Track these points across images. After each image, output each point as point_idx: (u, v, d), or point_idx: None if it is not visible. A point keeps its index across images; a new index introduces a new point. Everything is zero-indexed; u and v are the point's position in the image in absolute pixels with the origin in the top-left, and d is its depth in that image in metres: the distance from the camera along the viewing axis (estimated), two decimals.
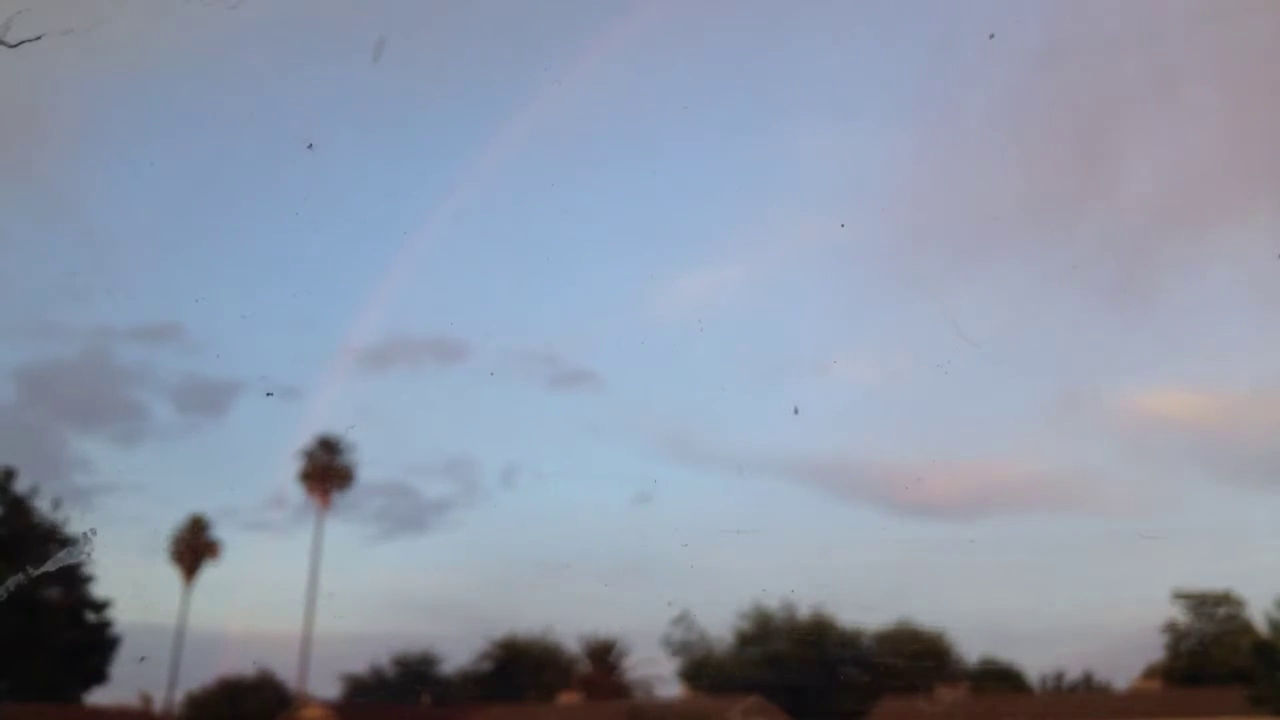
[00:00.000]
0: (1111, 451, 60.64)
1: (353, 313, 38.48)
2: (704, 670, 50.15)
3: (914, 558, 47.04)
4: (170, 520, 53.25)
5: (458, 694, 51.23)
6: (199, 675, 48.96)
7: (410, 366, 56.10)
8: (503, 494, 58.17)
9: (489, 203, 34.54)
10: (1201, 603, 47.81)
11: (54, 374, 54.19)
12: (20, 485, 44.77)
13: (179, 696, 48.93)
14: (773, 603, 50.02)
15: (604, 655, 53.40)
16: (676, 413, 54.39)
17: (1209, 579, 46.84)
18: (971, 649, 49.42)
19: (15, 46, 6.64)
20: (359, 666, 52.55)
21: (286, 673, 50.24)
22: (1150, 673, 47.32)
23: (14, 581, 7.89)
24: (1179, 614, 48.19)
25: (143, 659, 56.22)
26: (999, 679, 48.86)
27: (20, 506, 44.56)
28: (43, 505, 44.80)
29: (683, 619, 50.75)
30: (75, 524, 45.58)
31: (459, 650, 59.49)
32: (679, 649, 51.72)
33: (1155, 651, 48.03)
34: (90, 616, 47.12)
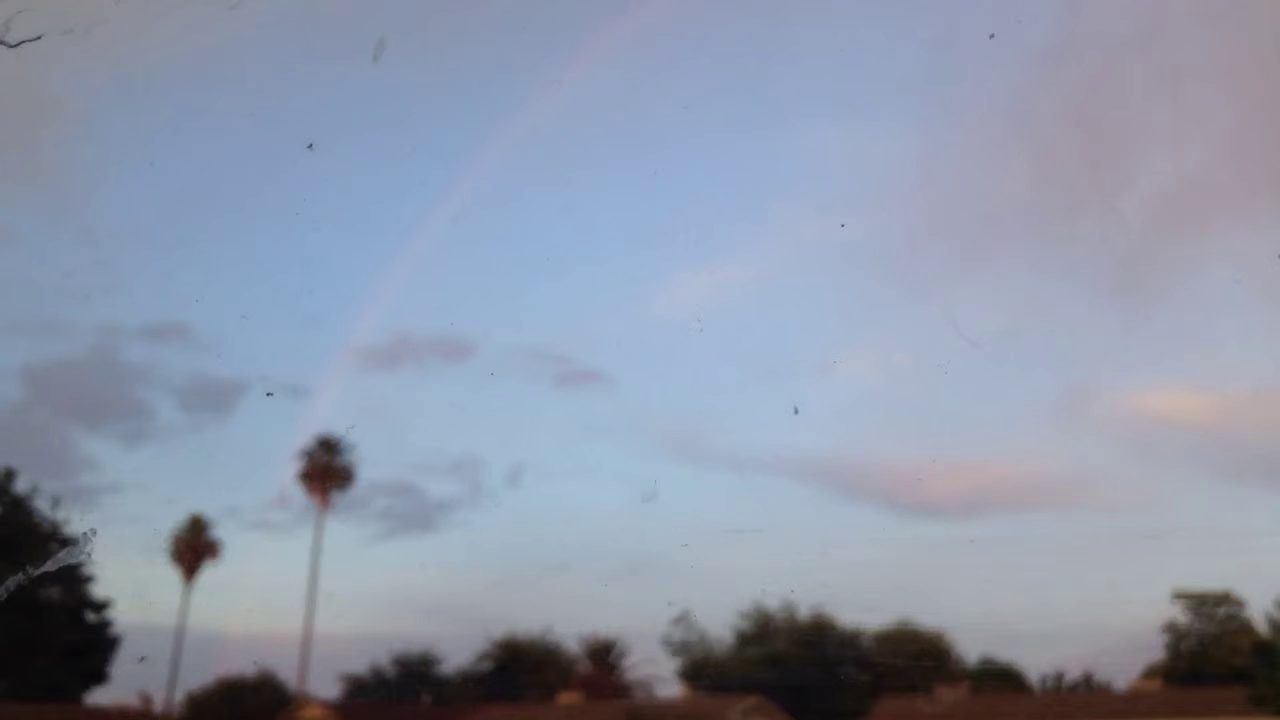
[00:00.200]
0: (1112, 451, 60.65)
1: (359, 312, 38.54)
2: (704, 670, 50.14)
3: (914, 557, 47.07)
4: (175, 520, 53.39)
5: (458, 694, 51.20)
6: (199, 675, 48.95)
7: (416, 366, 56.15)
8: (504, 494, 58.18)
9: (492, 202, 34.58)
10: (1201, 603, 47.84)
11: (61, 373, 54.27)
12: (25, 485, 44.84)
13: (179, 696, 48.96)
14: (773, 603, 50.05)
15: (604, 655, 53.39)
16: (679, 412, 54.46)
17: (1209, 579, 46.88)
18: (971, 649, 49.43)
19: (15, 46, 6.64)
20: (359, 666, 52.58)
21: (286, 673, 50.26)
22: (1150, 673, 47.32)
23: (14, 581, 7.88)
24: (1179, 614, 48.25)
25: (143, 659, 56.28)
26: (999, 679, 48.86)
27: (20, 506, 44.56)
28: (43, 505, 44.84)
29: (683, 619, 50.80)
30: (77, 524, 45.62)
31: (459, 650, 59.47)
32: (679, 649, 51.76)
33: (1155, 651, 48.09)
34: (90, 616, 47.13)
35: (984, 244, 53.69)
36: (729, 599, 48.15)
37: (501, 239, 41.27)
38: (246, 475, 55.84)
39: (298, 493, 54.73)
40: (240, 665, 49.08)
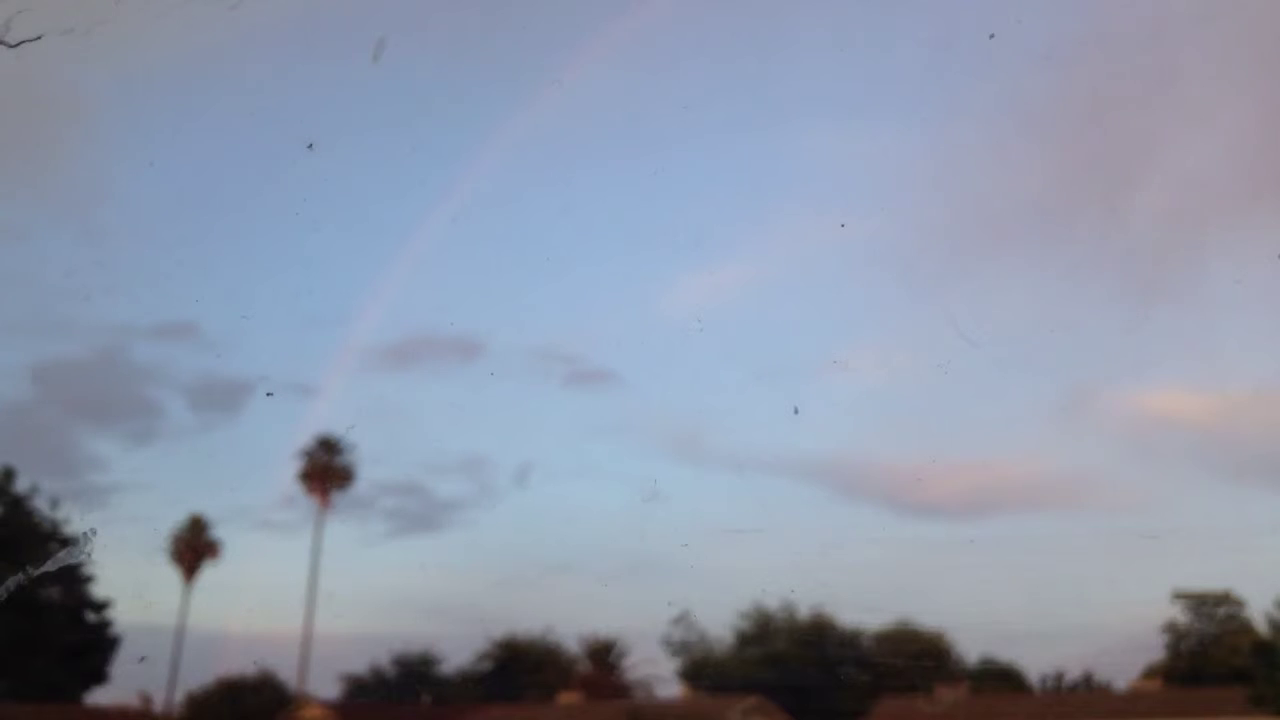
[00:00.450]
0: (1112, 451, 60.65)
1: (366, 312, 38.54)
2: (704, 670, 50.14)
3: (914, 557, 47.04)
4: (182, 520, 53.51)
5: (458, 694, 51.20)
6: (199, 675, 48.95)
7: (423, 365, 56.23)
8: (508, 494, 58.22)
9: (494, 201, 34.57)
10: (1201, 603, 47.85)
11: (68, 372, 54.27)
12: (33, 484, 44.83)
13: (179, 696, 48.97)
14: (773, 603, 50.06)
15: (604, 655, 53.40)
16: (681, 412, 54.46)
17: (1209, 579, 46.88)
18: (971, 649, 49.43)
19: (15, 46, 6.64)
20: (359, 666, 52.59)
21: (286, 673, 50.27)
22: (1150, 673, 47.33)
23: (14, 581, 7.89)
24: (1179, 614, 48.26)
25: (143, 659, 56.30)
26: (999, 679, 48.86)
27: (20, 506, 44.57)
28: (42, 505, 44.84)
29: (683, 619, 50.81)
30: (78, 524, 45.58)
31: (459, 650, 59.47)
32: (679, 649, 51.77)
33: (1155, 651, 48.09)
34: (90, 616, 47.14)
35: (985, 244, 53.71)
36: (729, 599, 48.18)
37: (504, 239, 41.24)
38: (253, 475, 55.79)
39: (302, 492, 54.84)
40: (240, 665, 49.11)
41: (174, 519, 53.05)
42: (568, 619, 54.90)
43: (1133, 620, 48.58)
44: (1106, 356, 45.65)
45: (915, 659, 45.06)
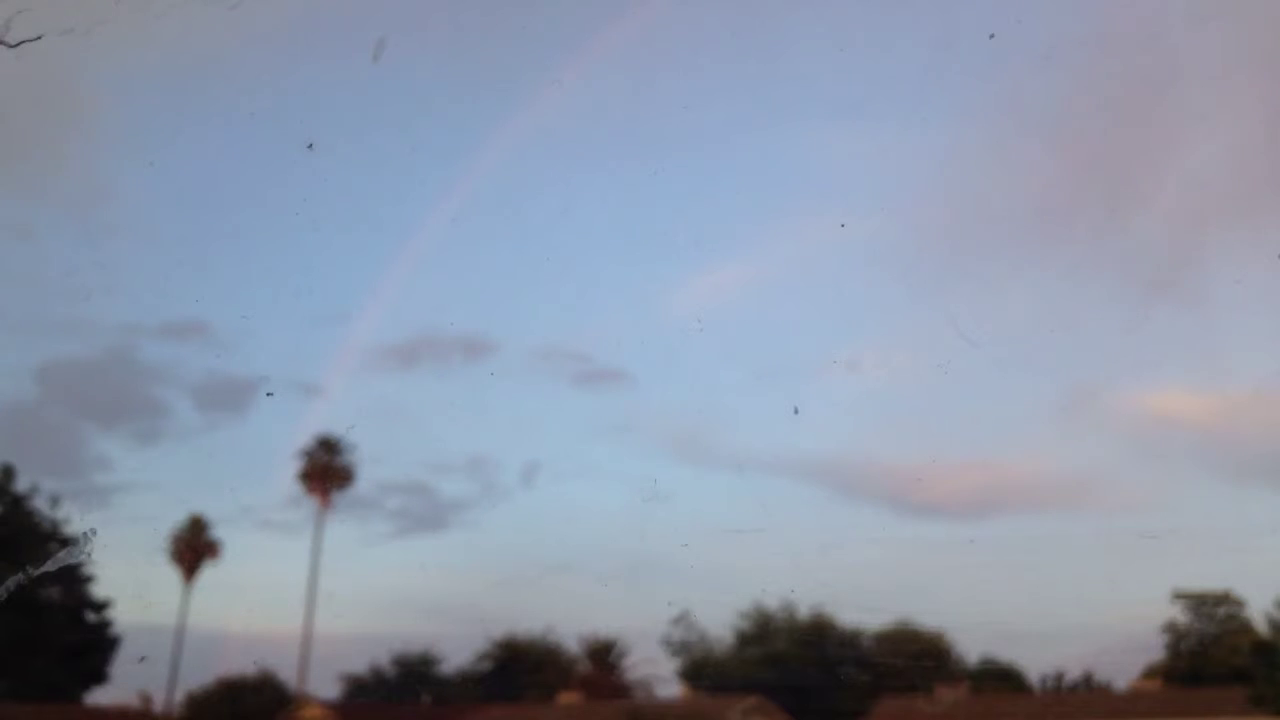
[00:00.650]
0: (1112, 451, 60.65)
1: (371, 311, 38.53)
2: (704, 670, 50.14)
3: (915, 557, 47.05)
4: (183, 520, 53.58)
5: (458, 694, 51.21)
6: (199, 675, 48.98)
7: (430, 365, 56.24)
8: (506, 494, 58.27)
9: (494, 202, 34.57)
10: (1201, 603, 47.85)
11: (74, 371, 54.28)
12: (33, 484, 44.81)
13: (179, 696, 48.98)
14: (773, 603, 50.05)
15: (604, 655, 53.40)
16: (682, 412, 54.46)
17: (1209, 579, 46.87)
18: (971, 649, 49.43)
19: (15, 46, 6.64)
20: (359, 666, 52.61)
21: (286, 673, 50.28)
22: (1150, 673, 47.34)
23: (14, 581, 7.89)
24: (1179, 614, 48.25)
25: (143, 659, 56.30)
26: (999, 679, 48.86)
27: (20, 506, 44.56)
28: (42, 504, 44.83)
29: (683, 619, 50.80)
30: (79, 523, 45.58)
31: (459, 650, 59.49)
32: (679, 649, 51.76)
33: (1155, 651, 48.09)
34: (90, 616, 47.13)
35: (985, 244, 53.70)
36: (729, 599, 48.16)
37: (504, 239, 41.29)
38: (258, 474, 55.83)
39: (302, 492, 54.89)
40: (240, 665, 49.14)
41: (177, 519, 53.21)
42: (568, 619, 54.90)
43: (1133, 620, 48.60)
44: (1107, 356, 45.68)
45: (915, 659, 45.05)
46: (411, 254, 35.31)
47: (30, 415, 52.06)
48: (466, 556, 61.98)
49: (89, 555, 7.71)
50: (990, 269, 47.23)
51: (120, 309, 52.95)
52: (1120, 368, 48.01)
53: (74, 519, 44.26)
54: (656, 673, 52.33)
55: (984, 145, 46.79)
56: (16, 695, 43.37)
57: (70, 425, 58.48)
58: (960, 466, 48.23)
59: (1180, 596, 47.78)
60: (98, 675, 47.12)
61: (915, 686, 43.77)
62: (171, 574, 53.36)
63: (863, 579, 45.58)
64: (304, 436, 53.64)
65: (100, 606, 47.32)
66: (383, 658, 52.81)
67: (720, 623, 51.17)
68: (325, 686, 56.57)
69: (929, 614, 46.71)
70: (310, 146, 13.38)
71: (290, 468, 53.22)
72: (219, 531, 54.08)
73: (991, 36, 18.31)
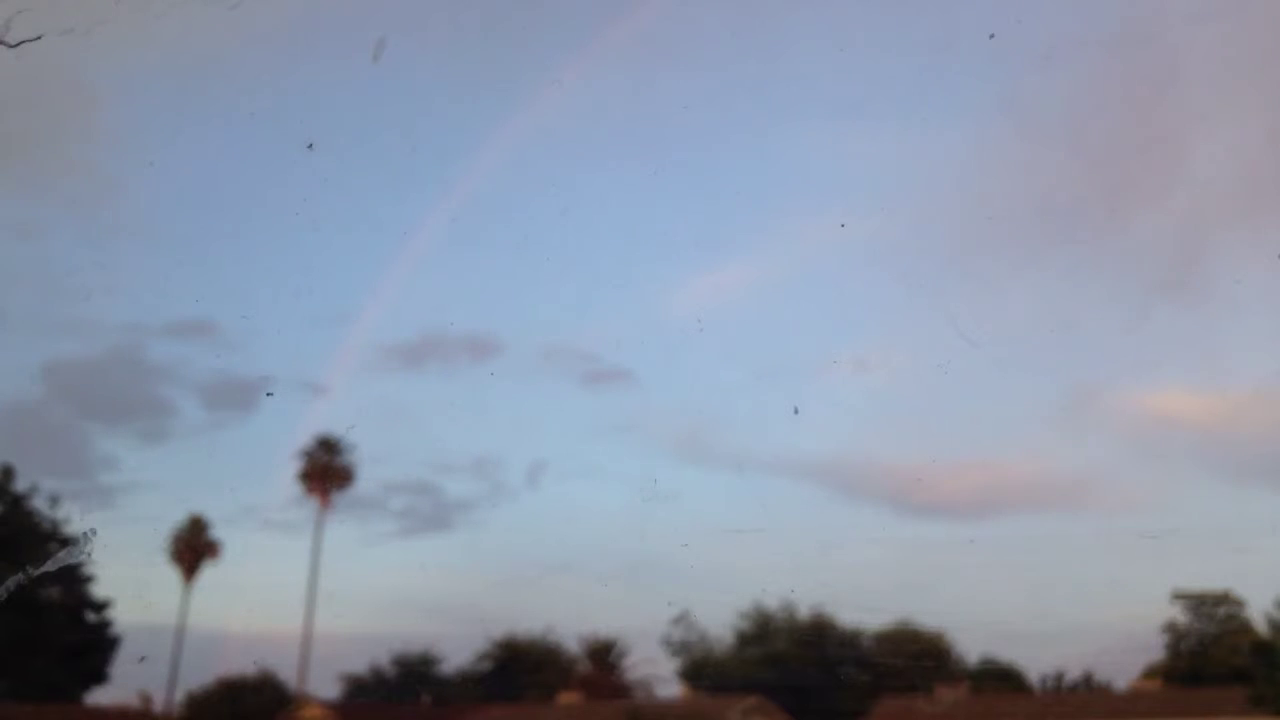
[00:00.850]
0: (1112, 452, 60.66)
1: (377, 311, 38.52)
2: (704, 670, 50.14)
3: (915, 557, 47.06)
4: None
5: (458, 694, 51.22)
6: (199, 675, 48.99)
7: (431, 364, 56.25)
8: (508, 495, 58.23)
9: (495, 202, 34.57)
10: (1201, 603, 47.85)
11: (79, 371, 54.28)
12: (33, 484, 44.80)
13: (179, 696, 48.99)
14: (773, 603, 50.07)
15: (604, 655, 53.41)
16: (684, 413, 54.38)
17: (1209, 579, 46.87)
18: (971, 649, 49.44)
19: (15, 46, 6.64)
20: (359, 666, 52.61)
21: (286, 673, 50.29)
22: (1150, 673, 47.34)
23: (14, 581, 7.88)
24: (1179, 614, 48.25)
25: (143, 659, 56.32)
26: (999, 679, 48.86)
27: (20, 506, 44.56)
28: (42, 504, 44.83)
29: (683, 619, 50.81)
30: (80, 523, 45.58)
31: (459, 650, 59.51)
32: (679, 649, 51.77)
33: (1155, 651, 48.09)
34: (90, 616, 47.14)
35: (986, 244, 53.72)
36: (729, 599, 48.17)
37: (506, 239, 41.25)
38: (262, 474, 55.84)
39: (305, 492, 54.92)
40: (240, 665, 49.14)
41: (181, 519, 53.30)
42: (568, 619, 54.93)
43: (1133, 620, 48.61)
44: (1107, 357, 45.68)
45: (915, 659, 45.06)
46: (415, 254, 35.29)
47: (35, 415, 52.09)
48: (467, 556, 62.03)
49: (89, 555, 7.71)
50: (991, 269, 47.20)
51: (124, 309, 52.89)
52: (1120, 368, 48.04)
53: (74, 519, 44.30)
54: (656, 673, 52.40)
55: (984, 145, 46.79)
56: (16, 695, 43.37)
57: (75, 425, 58.51)
58: (961, 466, 48.25)
59: (1180, 596, 47.82)
60: (98, 675, 47.12)
61: (915, 686, 43.78)
62: (171, 574, 53.42)
63: (863, 579, 45.61)
64: (309, 436, 53.81)
65: (100, 606, 47.33)
66: (383, 658, 52.89)
67: (720, 623, 51.24)
68: (325, 686, 56.63)
69: (929, 614, 46.74)
70: (310, 146, 13.38)
71: (292, 467, 53.29)
72: (223, 531, 54.13)
73: (991, 36, 18.32)
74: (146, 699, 47.35)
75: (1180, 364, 50.65)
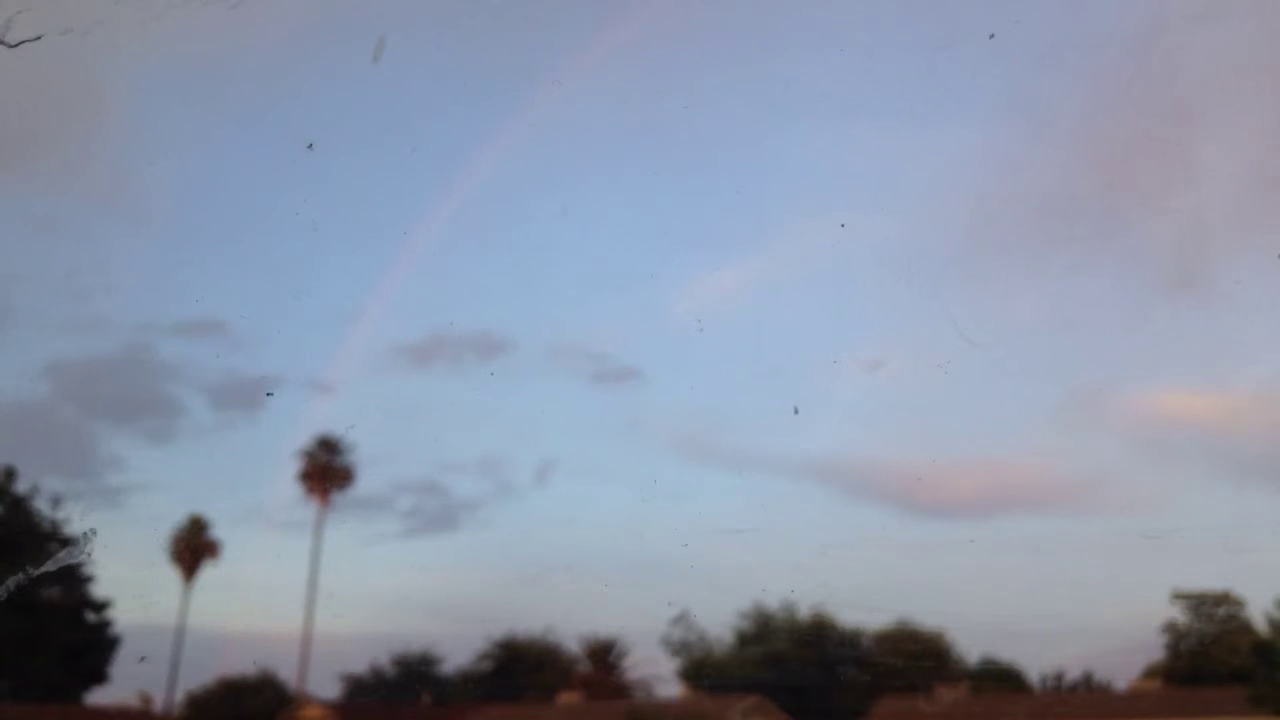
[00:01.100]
0: (1113, 452, 60.63)
1: (384, 310, 38.56)
2: (704, 670, 50.13)
3: (915, 557, 47.03)
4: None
5: (458, 694, 51.22)
6: (199, 675, 49.00)
7: (437, 364, 56.28)
8: (509, 495, 58.24)
9: (495, 202, 34.60)
10: (1201, 603, 47.83)
11: (86, 370, 54.23)
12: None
13: (179, 696, 49.00)
14: (773, 603, 50.05)
15: (604, 655, 53.41)
16: (686, 413, 54.41)
17: (1209, 579, 46.84)
18: (971, 649, 49.42)
19: (15, 46, 6.64)
20: (359, 666, 52.61)
21: (286, 673, 50.31)
22: (1150, 673, 47.33)
23: (14, 581, 7.89)
24: (1179, 614, 48.24)
25: (143, 659, 56.33)
26: (999, 679, 48.87)
27: (20, 506, 44.57)
28: (43, 505, 44.84)
29: (683, 619, 50.79)
30: (80, 523, 45.55)
31: (459, 650, 59.48)
32: (679, 649, 51.75)
33: (1155, 651, 48.06)
34: (90, 616, 47.14)
35: (988, 244, 53.70)
36: (729, 599, 48.15)
37: (506, 239, 41.25)
38: (267, 474, 55.80)
39: (308, 493, 54.93)
40: (240, 665, 49.16)
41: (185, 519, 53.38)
42: (568, 619, 54.90)
43: (1133, 620, 48.57)
44: (1108, 357, 45.66)
45: (915, 659, 45.06)
46: (422, 253, 35.32)
47: (42, 414, 52.06)
48: (469, 556, 61.99)
49: (89, 555, 7.71)
50: (992, 268, 47.19)
51: (133, 307, 52.83)
52: (1122, 368, 48.00)
53: (74, 519, 44.31)
54: (656, 673, 52.36)
55: (985, 145, 46.77)
56: (16, 695, 43.38)
57: (82, 424, 58.46)
58: (961, 466, 48.24)
59: (1180, 596, 47.79)
60: (98, 675, 47.12)
61: (915, 686, 43.77)
62: (171, 574, 53.43)
63: (863, 579, 45.55)
64: (315, 436, 53.91)
65: (100, 606, 47.34)
66: (383, 658, 52.87)
67: (720, 623, 51.20)
68: (325, 686, 56.60)
69: (929, 614, 46.70)
70: (310, 146, 13.39)
71: (292, 467, 53.33)
72: (230, 531, 54.14)
73: (991, 36, 18.31)
74: (146, 699, 47.42)
75: (1182, 364, 50.56)
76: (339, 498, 55.59)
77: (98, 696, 46.88)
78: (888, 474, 50.51)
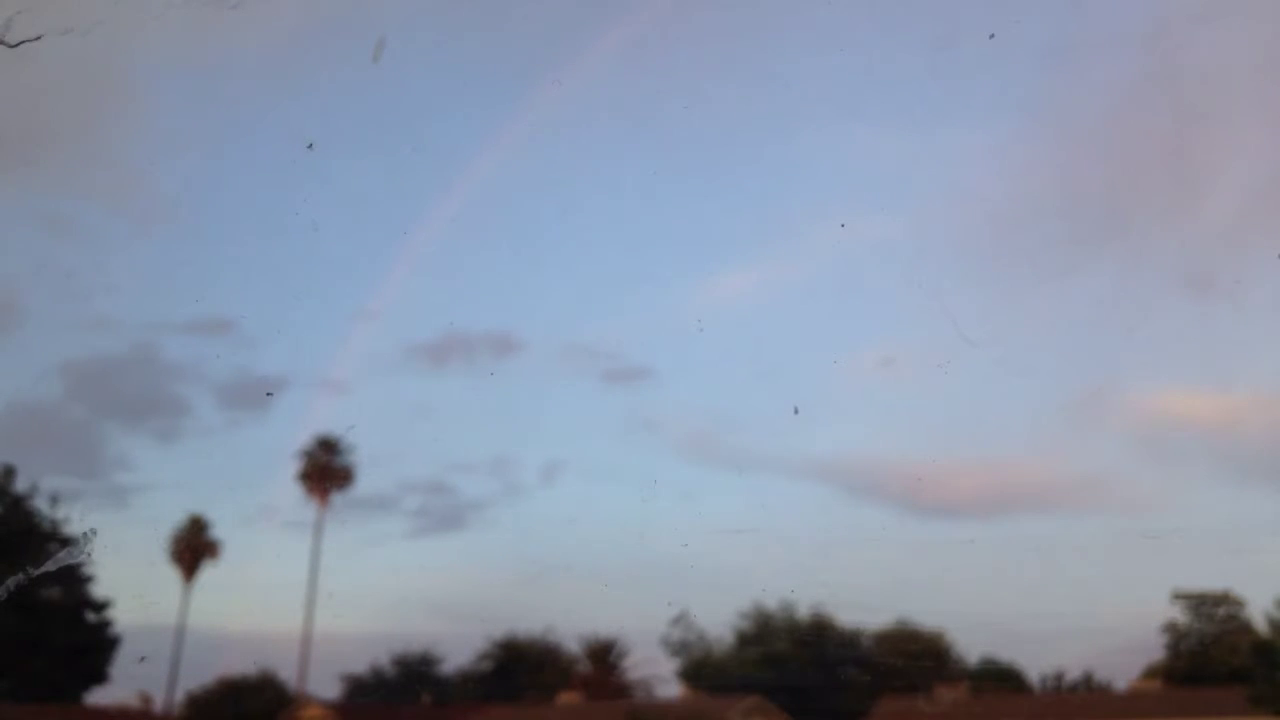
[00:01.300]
0: (1114, 452, 60.67)
1: (391, 310, 38.54)
2: (704, 670, 50.13)
3: (915, 557, 47.05)
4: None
5: (458, 694, 51.22)
6: (199, 675, 48.98)
7: (441, 364, 56.26)
8: (519, 494, 58.17)
9: (495, 202, 34.59)
10: (1201, 603, 47.82)
11: (92, 369, 54.12)
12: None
13: (179, 696, 48.99)
14: (773, 603, 50.05)
15: (604, 655, 53.39)
16: (686, 413, 54.37)
17: (1209, 579, 46.84)
18: (971, 649, 49.44)
19: (15, 46, 6.64)
20: (359, 666, 52.59)
21: (286, 673, 50.29)
22: (1150, 673, 47.35)
23: (14, 581, 7.89)
24: (1179, 614, 48.24)
25: (143, 659, 56.27)
26: (999, 679, 48.87)
27: (20, 506, 44.56)
28: (43, 504, 44.82)
29: (683, 619, 50.77)
30: (83, 523, 45.47)
31: (459, 650, 59.47)
32: (679, 649, 51.74)
33: (1155, 651, 48.08)
34: (90, 616, 47.13)
35: (989, 244, 53.71)
36: (729, 599, 48.14)
37: (507, 239, 41.25)
38: (271, 474, 55.74)
39: (308, 493, 54.90)
40: (240, 665, 49.15)
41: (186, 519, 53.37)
42: (568, 619, 54.89)
43: (1133, 620, 48.60)
44: (1109, 357, 45.69)
45: (915, 659, 45.07)
46: (431, 253, 35.30)
47: (50, 413, 51.96)
48: (470, 556, 61.96)
49: (89, 555, 7.72)
50: (993, 269, 47.24)
51: (140, 306, 52.78)
52: (1123, 368, 48.02)
53: (74, 519, 44.27)
54: (656, 673, 52.34)
55: (986, 145, 46.80)
56: (16, 695, 43.38)
57: (90, 423, 58.34)
58: (962, 466, 48.27)
59: (1180, 596, 47.80)
60: (98, 675, 47.10)
61: (915, 686, 43.78)
62: (171, 574, 53.42)
63: (863, 579, 45.62)
64: (316, 436, 53.92)
65: (100, 606, 47.33)
66: (383, 658, 52.86)
67: (720, 623, 51.19)
68: (325, 686, 56.54)
69: (929, 614, 46.73)
70: (310, 146, 13.39)
71: (292, 467, 53.32)
72: (234, 531, 54.05)
73: (991, 36, 18.34)
74: (146, 699, 47.42)
75: (1183, 364, 50.61)
76: (342, 498, 55.61)
77: (98, 697, 46.90)
78: (888, 474, 50.52)
